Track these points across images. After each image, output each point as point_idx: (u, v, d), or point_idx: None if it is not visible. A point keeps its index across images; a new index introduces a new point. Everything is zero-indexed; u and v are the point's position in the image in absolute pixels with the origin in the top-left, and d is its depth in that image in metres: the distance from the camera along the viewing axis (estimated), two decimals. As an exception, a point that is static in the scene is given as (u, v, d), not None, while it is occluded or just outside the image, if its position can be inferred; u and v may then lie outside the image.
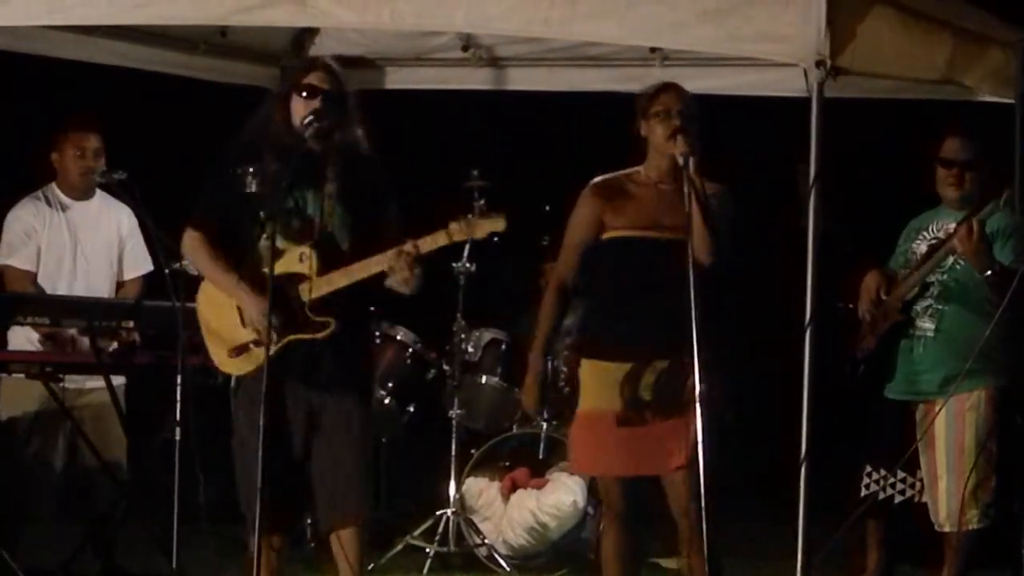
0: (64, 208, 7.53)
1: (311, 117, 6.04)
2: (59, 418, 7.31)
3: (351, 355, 6.12)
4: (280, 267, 5.97)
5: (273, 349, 5.94)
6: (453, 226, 5.94)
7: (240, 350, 6.07)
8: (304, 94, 6.08)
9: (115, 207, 7.61)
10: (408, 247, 5.93)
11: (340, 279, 6.00)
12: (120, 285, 7.66)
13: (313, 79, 6.11)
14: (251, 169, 6.02)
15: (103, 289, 7.55)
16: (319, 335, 6.01)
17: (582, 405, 6.21)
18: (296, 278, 6.02)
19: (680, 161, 5.94)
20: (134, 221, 7.61)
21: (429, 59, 8.28)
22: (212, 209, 6.12)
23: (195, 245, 6.17)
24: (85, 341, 7.09)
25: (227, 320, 6.08)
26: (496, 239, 6.08)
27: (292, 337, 5.99)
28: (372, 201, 6.11)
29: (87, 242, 7.55)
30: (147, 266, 7.64)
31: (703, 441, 5.74)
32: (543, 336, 6.27)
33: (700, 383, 5.77)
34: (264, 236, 6.01)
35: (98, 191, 7.57)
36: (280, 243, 6.02)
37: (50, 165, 7.57)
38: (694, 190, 5.90)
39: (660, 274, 5.94)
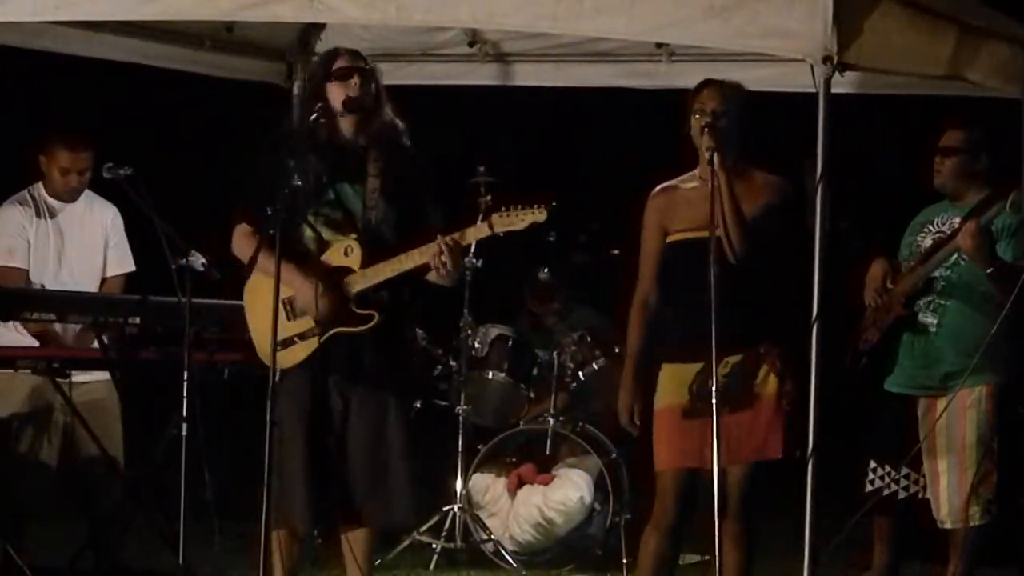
0: (51, 211, 7.51)
1: (350, 102, 6.10)
2: (51, 415, 7.32)
3: (394, 351, 6.16)
4: (327, 260, 6.07)
5: (317, 342, 6.05)
6: (495, 218, 5.98)
7: (286, 344, 6.10)
8: (338, 78, 6.13)
9: (100, 206, 7.61)
10: (449, 239, 5.97)
11: (385, 271, 6.06)
12: (102, 283, 7.64)
13: (343, 62, 6.16)
14: (293, 163, 6.05)
15: (87, 288, 7.53)
16: (363, 328, 6.05)
17: (656, 406, 6.19)
18: (341, 271, 6.07)
19: (707, 157, 5.96)
20: (119, 220, 7.61)
21: (435, 55, 8.28)
22: (258, 203, 6.11)
23: (247, 239, 6.19)
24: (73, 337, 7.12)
25: (271, 313, 6.07)
26: (502, 234, 6.09)
27: (336, 330, 6.04)
28: (414, 194, 6.15)
29: (73, 243, 7.53)
30: (129, 266, 7.64)
31: (717, 438, 5.77)
32: (635, 351, 6.23)
33: (716, 381, 5.83)
34: (312, 229, 6.10)
35: (85, 190, 7.57)
36: (327, 234, 6.12)
37: (38, 164, 7.56)
38: (718, 187, 5.92)
39: (721, 271, 5.91)
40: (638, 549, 6.32)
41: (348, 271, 6.10)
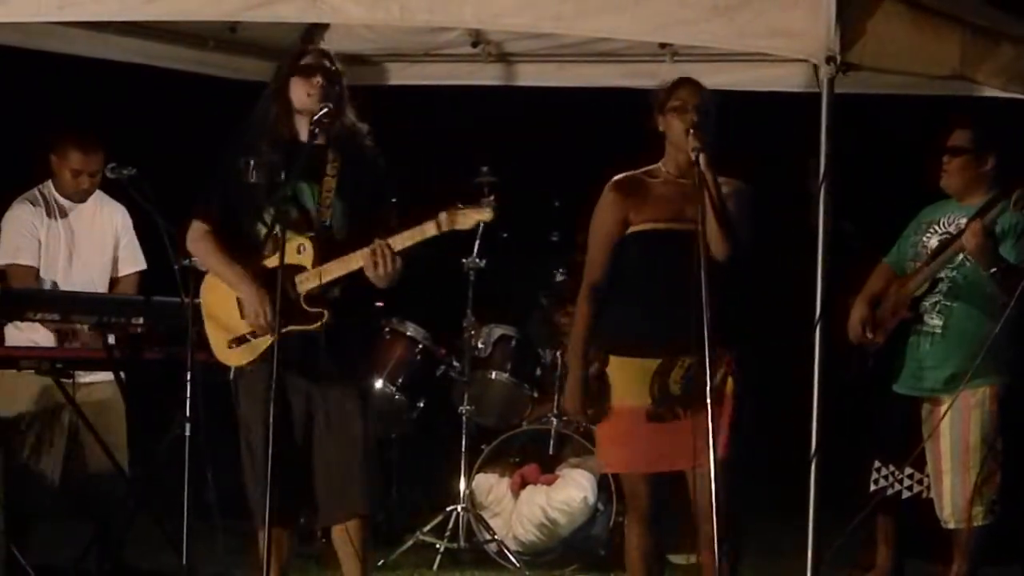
0: (62, 211, 7.53)
1: (315, 96, 6.07)
2: (57, 415, 7.32)
3: (348, 347, 6.14)
4: (279, 258, 6.01)
5: (269, 341, 6.00)
6: (442, 216, 5.95)
7: (239, 341, 6.13)
8: (302, 75, 6.11)
9: (110, 206, 7.63)
10: (384, 243, 5.95)
11: (334, 270, 6.05)
12: (115, 282, 7.66)
13: (310, 60, 6.16)
14: (252, 160, 6.05)
15: (97, 288, 7.54)
16: (312, 327, 6.04)
17: (615, 403, 6.15)
18: (293, 269, 6.06)
19: (692, 157, 5.94)
20: (128, 220, 7.64)
21: (439, 55, 8.27)
22: (216, 200, 6.19)
23: (199, 236, 6.23)
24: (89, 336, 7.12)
25: (227, 310, 6.15)
26: (505, 235, 6.09)
27: (288, 329, 6.00)
28: (371, 196, 6.13)
29: (82, 243, 7.56)
30: (141, 264, 7.67)
31: (714, 437, 5.74)
32: (581, 339, 6.19)
33: (711, 379, 5.81)
34: (267, 227, 6.07)
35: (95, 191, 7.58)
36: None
37: (48, 163, 7.56)
38: (706, 186, 5.91)
39: (685, 266, 5.88)
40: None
41: (299, 269, 6.09)
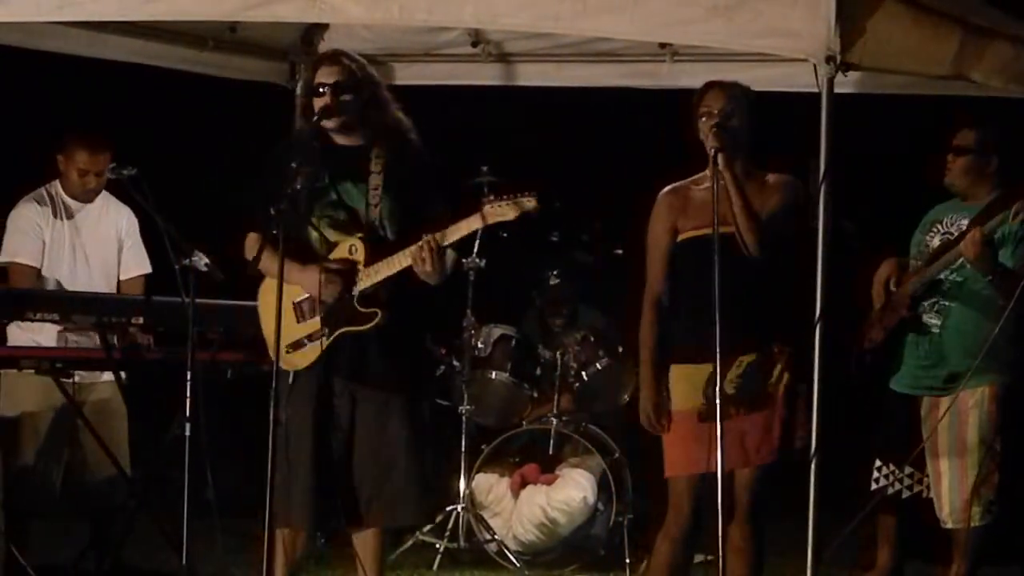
0: (68, 212, 7.53)
1: (320, 114, 6.09)
2: (58, 415, 7.32)
3: (399, 350, 6.16)
4: (332, 259, 6.10)
5: (324, 343, 6.07)
6: (487, 209, 5.99)
7: (296, 346, 6.15)
8: (319, 90, 6.14)
9: (115, 208, 7.63)
10: (431, 238, 5.98)
11: (384, 269, 6.08)
12: (120, 285, 7.66)
13: (320, 76, 6.19)
14: (295, 166, 6.06)
15: (102, 288, 7.54)
16: (366, 327, 6.06)
17: (672, 409, 6.15)
18: (347, 269, 6.10)
19: (710, 154, 5.96)
20: (134, 222, 7.64)
21: (438, 55, 8.28)
22: (264, 210, 6.15)
23: (256, 245, 6.22)
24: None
25: (285, 317, 6.10)
26: (505, 234, 6.11)
27: (344, 330, 6.06)
28: (417, 191, 6.16)
29: (88, 244, 7.56)
30: (146, 267, 7.67)
31: (721, 439, 5.76)
32: (650, 348, 6.18)
33: (722, 382, 5.84)
34: (317, 231, 6.12)
35: (102, 191, 7.59)
36: (332, 235, 6.14)
37: (55, 163, 7.57)
38: (726, 184, 5.92)
39: (732, 269, 5.88)
40: (641, 550, 6.32)
41: (353, 269, 6.12)
